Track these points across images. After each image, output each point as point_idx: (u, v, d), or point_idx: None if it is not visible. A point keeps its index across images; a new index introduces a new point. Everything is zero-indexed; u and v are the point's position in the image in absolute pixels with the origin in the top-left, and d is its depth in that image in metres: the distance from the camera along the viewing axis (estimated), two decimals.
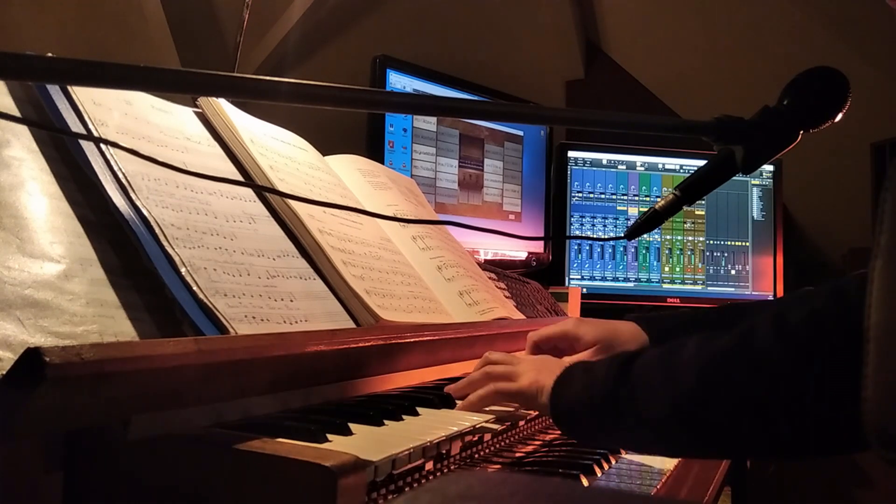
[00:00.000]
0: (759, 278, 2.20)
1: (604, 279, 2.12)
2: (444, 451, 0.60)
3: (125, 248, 0.63)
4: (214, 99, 0.89)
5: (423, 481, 0.60)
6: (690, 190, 0.82)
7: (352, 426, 0.57)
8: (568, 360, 0.81)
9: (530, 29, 2.36)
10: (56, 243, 0.58)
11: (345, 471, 0.45)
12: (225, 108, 0.89)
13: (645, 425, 0.61)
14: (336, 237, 0.87)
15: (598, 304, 2.05)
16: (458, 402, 0.74)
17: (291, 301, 0.72)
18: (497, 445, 0.79)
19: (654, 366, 0.62)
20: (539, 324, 1.26)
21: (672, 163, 2.20)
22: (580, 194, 2.15)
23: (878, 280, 0.43)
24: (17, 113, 0.67)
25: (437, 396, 0.73)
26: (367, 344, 0.73)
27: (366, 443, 0.54)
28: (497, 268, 1.47)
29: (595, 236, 2.15)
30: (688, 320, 0.92)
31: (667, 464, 0.79)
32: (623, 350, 0.85)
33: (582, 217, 2.14)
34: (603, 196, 2.15)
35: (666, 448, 0.67)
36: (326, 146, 1.11)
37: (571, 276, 2.10)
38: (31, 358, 0.42)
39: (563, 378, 0.69)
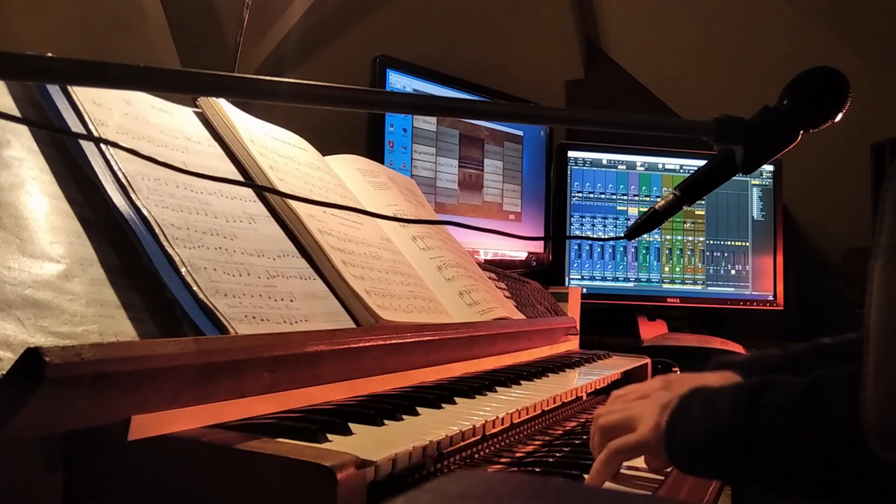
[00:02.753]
0: (759, 278, 2.20)
1: (604, 279, 2.12)
2: (444, 451, 0.60)
3: (125, 248, 0.63)
4: (214, 99, 0.89)
5: (423, 481, 0.60)
6: (690, 190, 0.82)
7: (352, 426, 0.57)
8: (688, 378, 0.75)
9: (530, 29, 2.36)
10: (56, 243, 0.58)
11: (345, 471, 0.45)
12: (225, 108, 0.89)
13: (779, 471, 0.55)
14: (336, 237, 0.87)
15: (598, 304, 2.05)
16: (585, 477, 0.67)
17: (291, 301, 0.72)
18: (497, 445, 0.79)
19: (793, 406, 0.55)
20: (539, 324, 1.26)
21: (672, 163, 2.20)
22: (580, 194, 2.15)
23: (878, 280, 0.43)
24: (17, 113, 0.67)
25: (437, 396, 0.72)
26: (367, 344, 0.73)
27: (366, 443, 0.54)
28: (497, 268, 1.47)
29: (595, 236, 2.15)
30: (782, 362, 0.86)
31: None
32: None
33: (582, 217, 2.14)
34: (603, 196, 2.15)
35: (805, 495, 0.59)
36: (326, 146, 1.11)
37: (571, 276, 2.10)
38: (31, 358, 0.42)
39: (680, 409, 0.61)
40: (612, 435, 0.67)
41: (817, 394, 0.55)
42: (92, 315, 0.55)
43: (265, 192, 0.84)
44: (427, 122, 1.82)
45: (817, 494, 0.56)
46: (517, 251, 2.04)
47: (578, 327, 1.55)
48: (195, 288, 0.62)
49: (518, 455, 0.77)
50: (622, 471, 0.70)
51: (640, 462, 0.81)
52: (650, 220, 0.83)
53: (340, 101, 0.61)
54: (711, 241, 2.19)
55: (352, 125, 1.71)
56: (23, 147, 0.63)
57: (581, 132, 2.27)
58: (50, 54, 0.48)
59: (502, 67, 2.33)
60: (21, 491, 0.48)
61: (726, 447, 0.57)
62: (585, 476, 0.70)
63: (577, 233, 2.12)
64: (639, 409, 0.66)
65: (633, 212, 2.16)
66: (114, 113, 0.73)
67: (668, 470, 0.77)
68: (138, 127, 0.75)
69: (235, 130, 0.87)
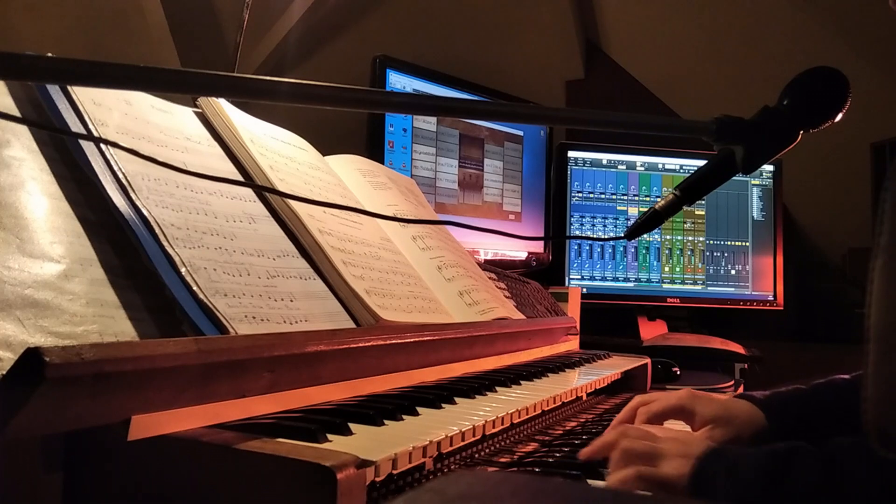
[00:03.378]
0: (759, 278, 2.20)
1: (604, 279, 2.12)
2: (444, 451, 0.60)
3: (125, 248, 0.63)
4: (214, 99, 0.89)
5: (423, 481, 0.60)
6: (690, 190, 0.82)
7: (352, 426, 0.57)
8: (706, 440, 0.76)
9: (530, 29, 2.36)
10: (56, 243, 0.58)
11: (345, 471, 0.45)
12: (225, 108, 0.89)
13: None
14: (336, 237, 0.87)
15: (598, 304, 2.05)
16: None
17: (291, 301, 0.72)
18: (497, 445, 0.79)
19: (819, 488, 0.56)
20: (539, 324, 1.26)
21: (672, 163, 2.20)
22: (580, 194, 2.15)
23: (878, 280, 0.43)
24: (17, 113, 0.67)
25: (437, 396, 0.73)
26: (367, 344, 0.73)
27: (366, 443, 0.54)
28: (497, 268, 1.47)
29: (595, 236, 2.15)
30: (805, 400, 0.88)
31: None
32: (736, 425, 0.82)
33: (582, 217, 2.14)
34: (603, 196, 2.15)
35: None
36: (326, 146, 1.11)
37: (571, 276, 2.10)
38: (31, 358, 0.42)
39: (702, 475, 0.62)
40: (631, 460, 0.68)
41: (836, 476, 0.55)
42: (92, 315, 0.55)
43: (265, 192, 0.84)
44: (427, 122, 1.82)
45: None
46: (517, 251, 2.04)
47: (578, 327, 1.55)
48: (195, 288, 0.62)
49: (518, 455, 0.77)
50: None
51: None
52: (650, 220, 0.83)
53: (340, 101, 0.61)
54: (711, 241, 2.19)
55: (352, 125, 1.71)
56: (23, 147, 0.63)
57: (581, 132, 2.27)
58: (50, 54, 0.48)
59: (502, 67, 2.33)
60: (21, 491, 0.48)
61: None
62: (586, 476, 0.70)
63: (577, 233, 2.12)
64: (665, 448, 0.67)
65: (633, 212, 2.16)
66: (114, 113, 0.73)
67: None
68: (138, 127, 0.75)
69: (235, 130, 0.88)
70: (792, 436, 0.73)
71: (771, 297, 2.20)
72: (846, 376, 0.87)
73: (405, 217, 1.12)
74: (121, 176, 0.66)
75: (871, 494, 0.53)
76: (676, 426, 0.86)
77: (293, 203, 0.83)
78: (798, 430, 0.79)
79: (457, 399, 0.75)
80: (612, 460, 0.69)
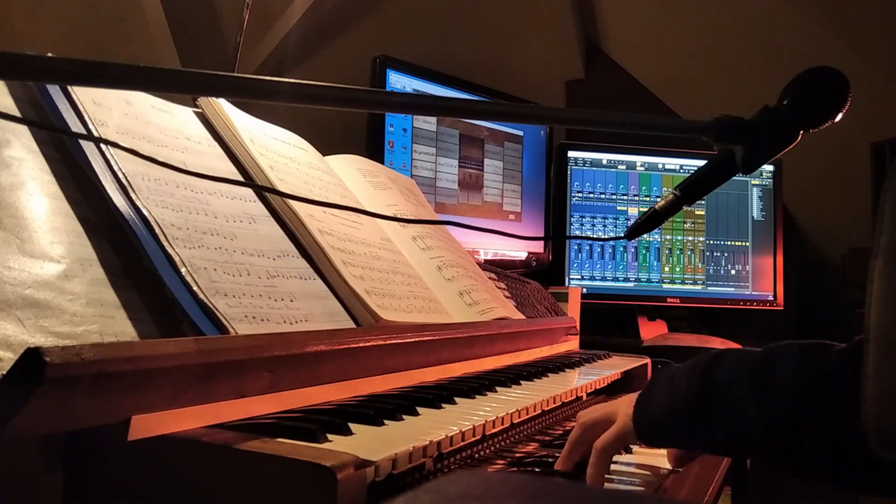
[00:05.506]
0: (759, 278, 2.20)
1: (604, 279, 2.12)
2: (444, 451, 0.60)
3: (125, 248, 0.63)
4: (214, 99, 0.89)
5: (423, 481, 0.60)
6: (690, 190, 0.82)
7: (352, 426, 0.57)
8: None
9: (530, 29, 2.36)
10: (56, 243, 0.58)
11: (345, 470, 0.45)
12: (225, 108, 0.89)
13: (733, 440, 0.59)
14: (336, 237, 0.87)
15: (598, 304, 2.05)
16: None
17: (291, 301, 0.72)
18: (497, 445, 0.79)
19: (742, 378, 0.59)
20: (539, 324, 1.26)
21: (672, 163, 2.20)
22: (580, 194, 2.15)
23: (878, 280, 0.43)
24: (17, 113, 0.67)
25: (437, 396, 0.73)
26: (367, 344, 0.73)
27: (366, 443, 0.54)
28: (497, 268, 1.47)
29: (595, 236, 2.15)
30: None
31: (667, 463, 0.79)
32: None
33: (582, 217, 2.14)
34: (603, 196, 2.15)
35: (753, 460, 0.65)
36: (326, 146, 1.11)
37: (571, 276, 2.10)
38: (31, 358, 0.42)
39: (646, 391, 0.66)
40: (593, 432, 0.70)
41: (766, 366, 0.58)
42: (92, 315, 0.55)
43: (265, 192, 0.84)
44: (427, 122, 1.82)
45: (767, 460, 0.60)
46: (517, 251, 2.04)
47: (578, 327, 1.55)
48: (195, 288, 0.62)
49: (518, 455, 0.77)
50: (623, 468, 0.71)
51: (638, 459, 0.81)
52: (650, 220, 0.83)
53: (340, 101, 0.61)
54: (711, 241, 2.19)
55: (352, 125, 1.71)
56: (23, 147, 0.63)
57: (581, 132, 2.27)
58: (50, 54, 0.48)
59: (502, 67, 2.33)
60: (21, 491, 0.48)
61: (684, 418, 0.61)
62: (585, 476, 0.70)
63: (577, 233, 2.12)
64: (615, 405, 0.70)
65: (633, 212, 2.16)
66: (114, 113, 0.73)
67: (669, 469, 0.77)
68: (138, 127, 0.75)
69: (235, 130, 0.88)
70: None
71: (771, 297, 2.20)
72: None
73: (405, 217, 1.12)
74: (121, 176, 0.66)
75: (793, 384, 0.55)
76: None
77: (293, 203, 0.83)
78: None
79: (457, 399, 0.75)
80: (571, 437, 0.71)
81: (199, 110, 0.89)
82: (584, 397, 1.12)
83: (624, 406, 0.69)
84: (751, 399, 0.58)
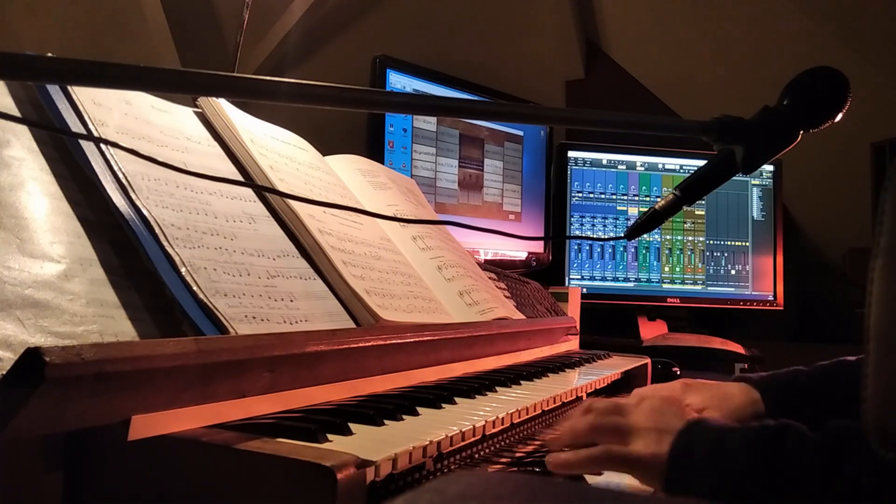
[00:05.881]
0: (759, 278, 2.20)
1: (604, 279, 2.12)
2: (444, 451, 0.60)
3: (125, 248, 0.63)
4: (214, 99, 0.89)
5: (423, 481, 0.60)
6: (690, 190, 0.82)
7: (352, 426, 0.57)
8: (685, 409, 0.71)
9: (530, 29, 2.36)
10: (56, 243, 0.58)
11: (345, 470, 0.45)
12: (225, 108, 0.89)
13: None
14: (336, 237, 0.87)
15: (598, 304, 2.05)
16: (551, 460, 0.64)
17: (291, 301, 0.72)
18: (497, 445, 0.79)
19: (813, 468, 0.53)
20: (539, 324, 1.26)
21: (672, 163, 2.20)
22: (580, 194, 2.15)
23: (878, 280, 0.43)
24: (17, 113, 0.67)
25: (437, 396, 0.73)
26: (367, 344, 0.73)
27: (366, 443, 0.54)
28: (497, 268, 1.47)
29: (595, 236, 2.15)
30: (803, 380, 0.84)
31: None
32: (732, 408, 0.79)
33: (582, 217, 2.14)
34: (603, 196, 2.15)
35: None
36: (326, 146, 1.11)
37: (571, 276, 2.10)
38: (32, 358, 0.42)
39: (683, 447, 0.58)
40: (598, 436, 0.64)
41: (834, 455, 0.52)
42: (92, 315, 0.55)
43: (265, 192, 0.84)
44: (427, 122, 1.82)
45: None
46: (517, 251, 2.04)
47: (578, 327, 1.55)
48: (195, 288, 0.62)
49: (518, 455, 0.77)
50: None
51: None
52: (650, 220, 0.83)
53: (340, 101, 0.61)
54: (711, 241, 2.19)
55: (352, 125, 1.71)
56: (23, 147, 0.63)
57: (581, 132, 2.27)
58: (50, 54, 0.48)
59: (502, 67, 2.33)
60: (21, 491, 0.48)
61: (733, 493, 0.54)
62: (586, 476, 0.69)
63: (577, 233, 2.12)
64: (636, 420, 0.63)
65: (633, 212, 2.16)
66: (114, 113, 0.73)
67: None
68: (138, 127, 0.75)
69: (235, 130, 0.87)
70: (790, 417, 0.71)
71: (771, 297, 2.20)
72: (851, 358, 0.84)
73: (405, 217, 1.12)
74: (121, 176, 0.66)
75: (867, 485, 0.50)
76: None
77: (293, 203, 0.83)
78: (798, 413, 0.76)
79: (457, 399, 0.75)
80: (575, 431, 0.65)
81: (199, 110, 0.89)
82: (584, 397, 1.11)
83: (647, 439, 0.61)
84: (818, 492, 0.52)
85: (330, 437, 0.54)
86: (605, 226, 2.15)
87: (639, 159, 2.18)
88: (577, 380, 1.03)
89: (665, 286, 2.15)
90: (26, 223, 0.57)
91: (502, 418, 0.70)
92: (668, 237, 2.17)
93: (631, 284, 2.13)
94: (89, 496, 0.51)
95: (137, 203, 0.65)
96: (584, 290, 2.00)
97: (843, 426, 0.54)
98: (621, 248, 2.14)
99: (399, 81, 1.75)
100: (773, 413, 0.80)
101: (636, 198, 2.17)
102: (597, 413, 0.66)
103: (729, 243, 2.20)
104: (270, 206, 0.83)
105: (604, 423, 0.64)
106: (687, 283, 2.17)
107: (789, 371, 0.88)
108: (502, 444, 0.80)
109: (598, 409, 0.67)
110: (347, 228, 0.92)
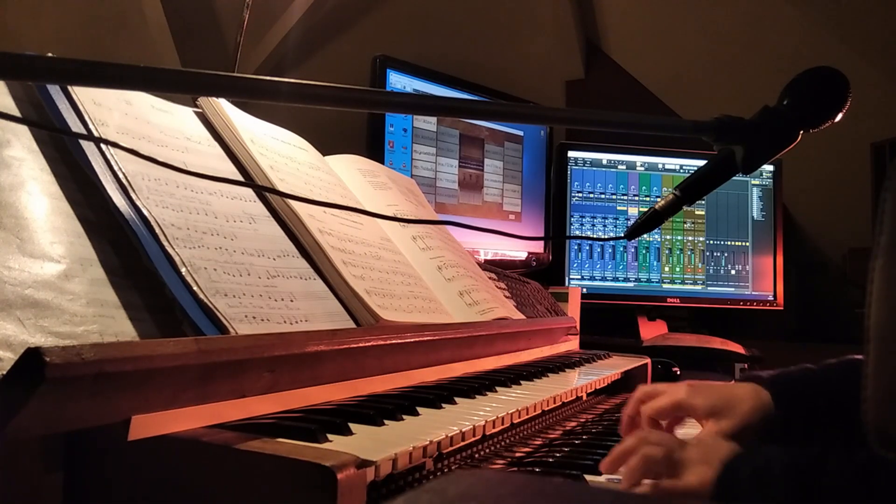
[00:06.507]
0: (759, 278, 2.20)
1: (604, 279, 2.12)
2: (444, 451, 0.60)
3: (125, 248, 0.63)
4: (214, 99, 0.89)
5: (423, 481, 0.60)
6: (690, 190, 0.82)
7: (352, 426, 0.57)
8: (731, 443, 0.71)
9: (530, 29, 2.36)
10: (56, 243, 0.58)
11: (345, 470, 0.45)
12: (225, 108, 0.89)
13: None
14: (336, 237, 0.87)
15: (598, 304, 2.05)
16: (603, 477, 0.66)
17: (292, 301, 0.72)
18: (497, 445, 0.79)
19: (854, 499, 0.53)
20: (539, 324, 1.26)
21: (672, 163, 2.20)
22: (580, 194, 2.15)
23: (878, 280, 0.43)
24: (17, 113, 0.67)
25: (437, 396, 0.73)
26: (367, 344, 0.73)
27: (366, 443, 0.54)
28: (497, 268, 1.47)
29: (595, 236, 2.15)
30: (814, 379, 0.84)
31: None
32: (741, 413, 0.79)
33: (582, 217, 2.14)
34: (603, 196, 2.15)
35: None
36: (326, 146, 1.11)
37: (571, 276, 2.10)
38: (32, 358, 0.42)
39: (727, 479, 0.60)
40: (650, 468, 0.65)
41: (875, 483, 0.52)
42: (92, 315, 0.55)
43: (265, 192, 0.84)
44: (427, 122, 1.82)
45: None
46: (517, 251, 2.04)
47: (578, 327, 1.55)
48: (195, 288, 0.62)
49: (518, 455, 0.77)
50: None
51: None
52: (650, 220, 0.83)
53: (340, 101, 0.61)
54: (711, 241, 2.19)
55: (352, 125, 1.72)
56: (23, 147, 0.63)
57: (581, 132, 2.27)
58: (50, 54, 0.48)
59: (502, 67, 2.33)
60: (21, 491, 0.48)
61: None
62: (585, 476, 0.69)
63: (577, 233, 2.12)
64: (687, 455, 0.65)
65: (633, 212, 2.16)
66: (114, 113, 0.73)
67: None
68: (138, 127, 0.75)
69: (235, 130, 0.87)
70: (802, 418, 0.70)
71: (771, 297, 2.20)
72: (858, 357, 0.84)
73: (405, 217, 1.12)
74: (121, 176, 0.66)
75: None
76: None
77: (293, 203, 0.83)
78: (809, 412, 0.77)
79: (457, 399, 0.75)
80: (628, 467, 0.66)
81: (199, 110, 0.89)
82: (584, 397, 1.12)
83: (703, 468, 0.63)
84: None
85: (330, 437, 0.54)
86: (605, 226, 2.15)
87: (639, 159, 2.18)
88: (577, 380, 1.03)
89: (665, 286, 2.15)
90: (26, 223, 0.57)
91: (502, 418, 0.70)
92: (668, 237, 2.17)
93: (631, 284, 2.13)
94: (89, 496, 0.51)
95: (137, 203, 0.65)
96: (584, 290, 2.00)
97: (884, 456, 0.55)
98: (621, 248, 2.14)
99: (399, 81, 1.75)
100: (786, 414, 0.80)
101: (636, 198, 2.17)
102: (650, 446, 0.67)
103: (729, 243, 2.20)
104: (270, 206, 0.83)
105: (655, 455, 0.65)
106: (687, 283, 2.17)
107: (799, 368, 0.87)
108: (502, 444, 0.80)
109: (653, 441, 0.68)
110: (347, 228, 0.92)
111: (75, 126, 0.68)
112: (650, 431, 0.72)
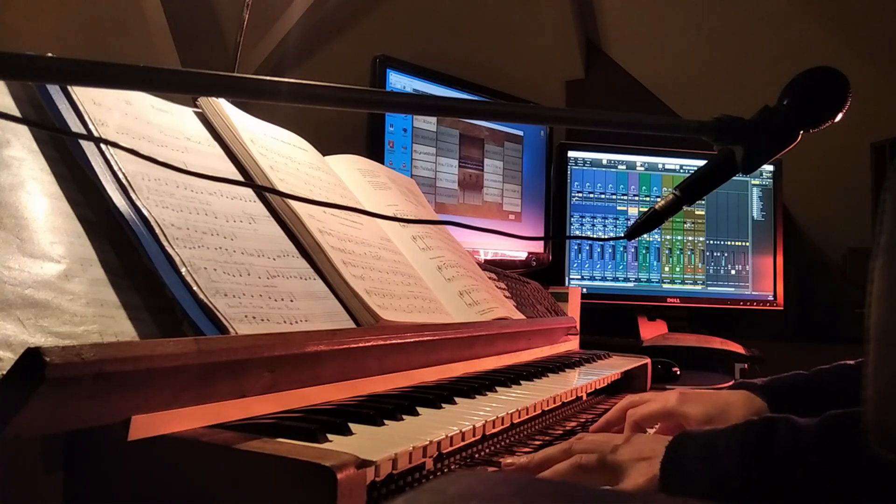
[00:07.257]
0: (759, 278, 2.20)
1: (604, 279, 2.12)
2: (444, 451, 0.60)
3: (125, 248, 0.63)
4: (214, 99, 0.89)
5: (423, 481, 0.60)
6: (690, 190, 0.82)
7: (352, 426, 0.57)
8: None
9: (530, 29, 2.36)
10: (56, 243, 0.58)
11: (345, 471, 0.45)
12: (225, 108, 0.89)
13: None
14: (336, 237, 0.87)
15: (598, 304, 2.05)
16: None
17: (291, 301, 0.72)
18: (497, 445, 0.79)
19: (809, 456, 0.52)
20: (539, 324, 1.26)
21: (672, 163, 2.20)
22: (580, 194, 2.15)
23: (878, 280, 0.43)
24: (17, 113, 0.67)
25: (437, 396, 0.73)
26: (367, 344, 0.73)
27: (366, 443, 0.54)
28: (497, 268, 1.47)
29: (595, 236, 2.15)
30: (807, 385, 0.83)
31: None
32: (735, 420, 0.76)
33: (582, 217, 2.14)
34: (603, 196, 2.15)
35: None
36: (326, 146, 1.11)
37: (571, 276, 2.10)
38: (32, 358, 0.42)
39: (673, 462, 0.58)
40: (584, 477, 0.64)
41: (830, 437, 0.52)
42: (92, 315, 0.55)
43: (265, 192, 0.84)
44: (427, 122, 1.82)
45: None
46: (517, 251, 2.04)
47: (578, 327, 1.55)
48: (195, 288, 0.62)
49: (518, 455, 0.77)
50: None
51: None
52: (650, 220, 0.83)
53: (340, 101, 0.61)
54: (711, 241, 2.19)
55: (352, 125, 1.72)
56: (23, 147, 0.63)
57: (581, 132, 2.27)
58: (50, 54, 0.48)
59: (502, 67, 2.33)
60: (21, 491, 0.48)
61: (735, 495, 0.54)
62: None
63: (577, 233, 2.12)
64: (624, 454, 0.63)
65: (633, 212, 2.16)
66: (114, 113, 0.73)
67: None
68: (138, 127, 0.75)
69: (235, 130, 0.88)
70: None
71: (771, 297, 2.20)
72: (850, 362, 0.84)
73: (405, 217, 1.12)
74: (121, 176, 0.66)
75: (863, 473, 0.50)
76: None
77: (293, 203, 0.83)
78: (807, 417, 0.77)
79: (457, 399, 0.75)
80: (556, 473, 0.64)
81: (199, 110, 0.89)
82: (584, 397, 1.12)
83: (638, 470, 0.61)
84: (817, 482, 0.51)
85: (330, 437, 0.54)
86: (605, 226, 2.15)
87: (639, 159, 2.18)
88: (577, 380, 1.03)
89: (665, 286, 2.15)
90: (26, 223, 0.57)
91: (502, 418, 0.70)
92: (668, 237, 2.17)
93: (631, 284, 2.13)
94: (89, 496, 0.51)
95: (137, 203, 0.65)
96: (584, 290, 2.00)
97: (841, 413, 0.54)
98: (621, 248, 2.14)
99: (399, 81, 1.75)
100: None
101: (636, 198, 2.17)
102: (581, 454, 0.65)
103: (729, 243, 2.20)
104: (270, 206, 0.83)
105: (588, 462, 0.64)
106: (687, 283, 2.17)
107: (791, 375, 0.87)
108: (502, 444, 0.80)
109: (584, 446, 0.66)
110: (347, 228, 0.92)
111: (75, 126, 0.68)
112: (581, 435, 0.70)
